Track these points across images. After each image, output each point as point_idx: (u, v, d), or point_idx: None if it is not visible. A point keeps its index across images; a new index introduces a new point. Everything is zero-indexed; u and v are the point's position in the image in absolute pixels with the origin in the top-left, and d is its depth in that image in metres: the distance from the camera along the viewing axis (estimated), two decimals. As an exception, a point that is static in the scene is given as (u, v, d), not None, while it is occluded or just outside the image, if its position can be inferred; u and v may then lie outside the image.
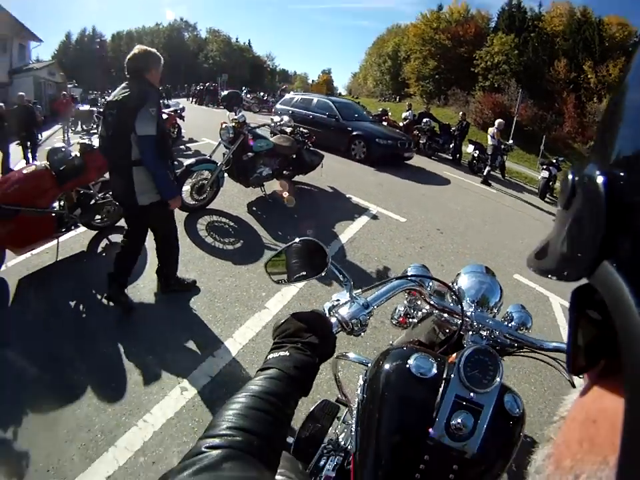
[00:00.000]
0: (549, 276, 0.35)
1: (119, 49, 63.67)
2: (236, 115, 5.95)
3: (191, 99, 31.53)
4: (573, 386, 1.03)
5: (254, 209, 5.97)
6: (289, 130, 7.05)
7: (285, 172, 6.85)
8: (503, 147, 12.03)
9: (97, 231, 4.96)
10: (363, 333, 1.01)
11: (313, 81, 61.48)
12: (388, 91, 43.43)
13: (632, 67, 0.31)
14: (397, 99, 37.98)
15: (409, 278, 1.17)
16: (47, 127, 15.64)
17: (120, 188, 3.40)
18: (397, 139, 11.20)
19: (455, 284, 1.33)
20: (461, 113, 15.71)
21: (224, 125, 5.76)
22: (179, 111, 11.76)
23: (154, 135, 3.14)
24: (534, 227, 8.52)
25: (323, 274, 1.04)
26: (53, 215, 4.37)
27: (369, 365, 1.15)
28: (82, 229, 4.78)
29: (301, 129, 7.38)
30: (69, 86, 33.63)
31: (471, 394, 0.91)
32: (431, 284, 1.23)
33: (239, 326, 3.46)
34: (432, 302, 1.21)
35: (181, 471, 0.53)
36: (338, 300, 1.05)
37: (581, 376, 0.37)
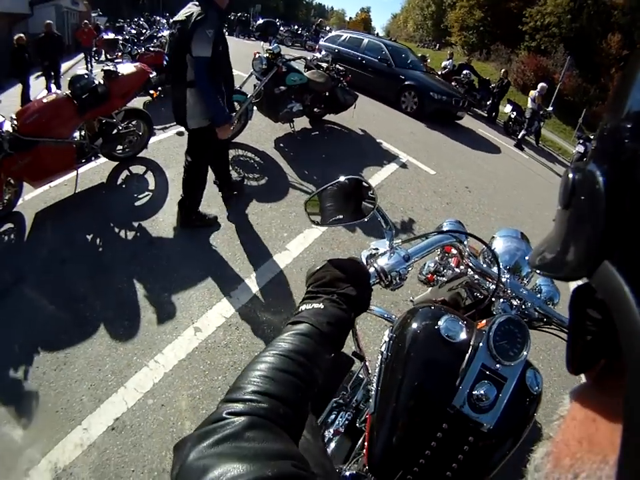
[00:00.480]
0: (550, 275, 0.35)
1: None
2: (270, 45, 5.63)
3: None
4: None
5: (281, 145, 5.81)
6: (324, 65, 6.73)
7: (315, 109, 6.60)
8: (542, 112, 11.53)
9: (117, 162, 4.85)
10: (398, 288, 0.95)
11: (350, 18, 59.21)
12: (428, 37, 42.19)
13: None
14: (437, 47, 36.78)
15: (451, 233, 1.09)
16: (69, 57, 15.32)
17: (176, 108, 3.45)
18: (453, 95, 10.28)
19: (490, 245, 1.25)
20: (502, 70, 14.95)
21: (257, 55, 5.47)
22: None
23: (208, 57, 3.11)
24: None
25: (365, 219, 0.96)
26: (74, 145, 4.24)
27: (395, 321, 1.12)
28: (102, 159, 4.67)
29: (337, 65, 7.02)
30: (93, 15, 32.39)
31: (497, 365, 0.88)
32: (466, 242, 1.16)
33: (258, 267, 3.40)
34: (469, 262, 1.15)
35: (200, 439, 0.50)
36: (377, 249, 0.98)
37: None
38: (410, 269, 0.94)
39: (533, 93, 11.38)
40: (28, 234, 3.82)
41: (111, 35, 15.11)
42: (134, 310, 2.91)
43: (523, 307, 1.09)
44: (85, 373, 2.46)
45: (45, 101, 4.16)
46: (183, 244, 3.59)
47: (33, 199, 4.26)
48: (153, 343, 2.67)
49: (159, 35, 12.27)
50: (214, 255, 3.49)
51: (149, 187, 4.50)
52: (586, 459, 0.28)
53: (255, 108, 5.52)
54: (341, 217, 0.98)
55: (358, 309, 0.81)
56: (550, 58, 27.15)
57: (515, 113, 11.69)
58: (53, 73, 10.89)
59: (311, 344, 0.69)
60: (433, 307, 1.06)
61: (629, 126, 0.27)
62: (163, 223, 3.86)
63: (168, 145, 5.47)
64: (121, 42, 13.19)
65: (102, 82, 4.39)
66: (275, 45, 5.64)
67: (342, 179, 0.96)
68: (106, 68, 4.55)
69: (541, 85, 11.47)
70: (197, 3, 3.17)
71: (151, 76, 4.94)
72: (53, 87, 10.69)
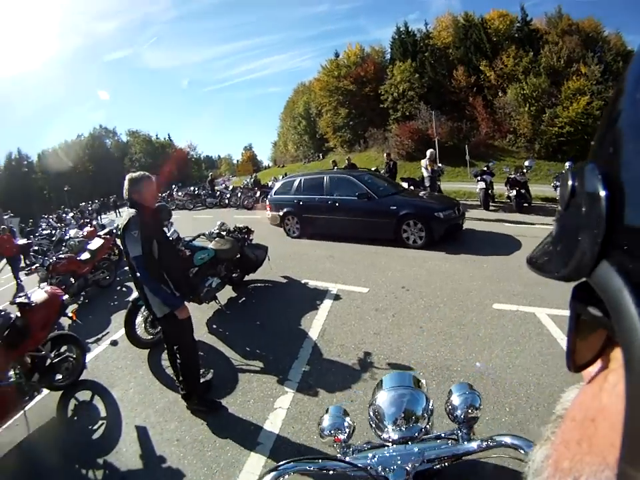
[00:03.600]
0: (549, 276, 0.35)
1: (47, 167, 65.32)
2: (168, 231, 5.72)
3: (122, 209, 31.76)
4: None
5: (214, 326, 5.66)
6: (224, 232, 6.80)
7: (234, 275, 6.62)
8: (436, 174, 12.15)
9: (62, 391, 4.69)
10: None
11: (237, 161, 62.64)
12: (310, 151, 45.04)
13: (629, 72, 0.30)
14: (321, 157, 39.44)
15: (281, 468, 1.10)
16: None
17: (144, 302, 3.80)
18: (453, 205, 8.92)
19: (374, 402, 1.27)
20: (385, 153, 16.00)
21: None
22: (114, 231, 10.94)
23: (140, 255, 3.46)
24: (490, 242, 8.61)
25: None
26: (11, 387, 4.04)
27: None
28: (46, 391, 4.54)
29: (237, 224, 7.17)
30: (5, 217, 33.39)
31: None
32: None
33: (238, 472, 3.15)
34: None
35: None
36: None
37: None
38: None
39: (423, 162, 12.02)
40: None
41: (22, 240, 16.00)
42: None
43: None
44: None
45: None
46: (158, 475, 3.28)
47: (-12, 444, 4.00)
48: None
49: (66, 237, 12.53)
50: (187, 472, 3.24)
51: (101, 415, 4.27)
52: (585, 461, 0.28)
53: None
54: None
55: None
56: (417, 119, 29.71)
57: (412, 187, 12.15)
58: None
59: None
60: None
61: (633, 132, 0.27)
62: (128, 454, 3.57)
63: (105, 360, 5.38)
64: (32, 254, 13.68)
65: (19, 315, 4.32)
66: (173, 230, 5.76)
67: None
68: (18, 300, 4.53)
69: (429, 151, 12.20)
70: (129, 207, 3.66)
71: (64, 298, 4.92)
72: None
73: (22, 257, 14.48)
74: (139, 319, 5.21)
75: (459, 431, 1.21)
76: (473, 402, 1.24)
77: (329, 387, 3.91)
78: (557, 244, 0.35)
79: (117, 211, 31.65)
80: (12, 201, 52.39)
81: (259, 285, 7.13)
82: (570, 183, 0.32)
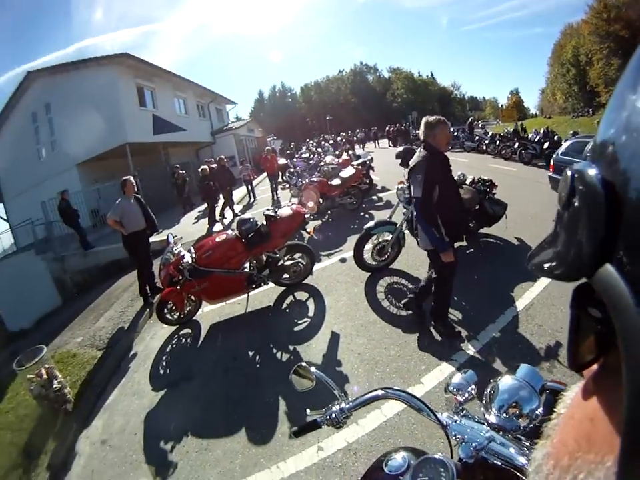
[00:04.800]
0: (549, 276, 0.35)
1: (310, 99, 71.91)
2: None
3: (382, 141, 32.35)
4: None
5: (433, 269, 5.82)
6: (468, 180, 6.72)
7: (470, 225, 6.50)
8: None
9: (284, 287, 5.68)
10: (340, 427, 1.34)
11: (502, 105, 57.42)
12: (579, 105, 37.97)
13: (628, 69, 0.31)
14: (591, 112, 32.37)
15: (388, 392, 1.30)
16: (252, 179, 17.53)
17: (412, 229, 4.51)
18: None
19: (496, 381, 1.23)
20: None
21: (399, 186, 5.64)
22: (367, 162, 11.94)
23: (419, 197, 3.67)
24: None
25: (310, 386, 1.43)
26: (243, 275, 5.15)
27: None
28: (272, 284, 5.52)
29: (482, 176, 6.91)
30: (269, 139, 37.06)
31: None
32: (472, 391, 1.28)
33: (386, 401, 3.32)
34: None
35: None
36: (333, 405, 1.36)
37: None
38: (347, 416, 1.32)
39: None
40: (202, 341, 4.79)
41: (282, 160, 17.92)
42: (273, 421, 3.46)
43: (477, 446, 1.11)
44: (219, 461, 3.10)
45: (217, 240, 5.16)
46: (329, 374, 3.70)
47: (210, 312, 5.36)
48: (280, 451, 3.12)
49: (321, 163, 13.48)
50: (351, 385, 3.73)
51: (309, 314, 5.09)
52: (584, 459, 0.29)
53: (406, 234, 5.58)
54: (307, 386, 1.44)
55: None
56: None
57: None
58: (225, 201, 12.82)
59: None
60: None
61: (632, 134, 0.27)
62: (315, 350, 4.30)
63: (331, 272, 6.18)
64: (289, 169, 15.17)
65: (264, 224, 5.28)
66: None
67: (295, 367, 1.44)
68: (266, 213, 5.43)
69: None
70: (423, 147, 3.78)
71: (306, 216, 5.64)
72: (231, 211, 12.73)
73: (280, 173, 16.46)
74: (368, 246, 5.70)
75: None
76: None
77: (507, 360, 3.69)
78: (557, 243, 0.34)
79: (377, 142, 32.83)
80: (276, 126, 58.98)
81: (490, 240, 6.86)
82: (569, 182, 0.32)
